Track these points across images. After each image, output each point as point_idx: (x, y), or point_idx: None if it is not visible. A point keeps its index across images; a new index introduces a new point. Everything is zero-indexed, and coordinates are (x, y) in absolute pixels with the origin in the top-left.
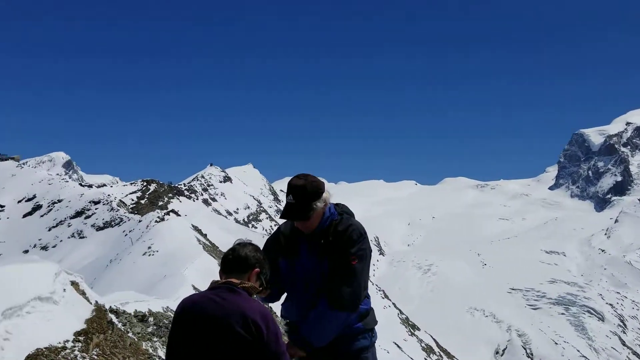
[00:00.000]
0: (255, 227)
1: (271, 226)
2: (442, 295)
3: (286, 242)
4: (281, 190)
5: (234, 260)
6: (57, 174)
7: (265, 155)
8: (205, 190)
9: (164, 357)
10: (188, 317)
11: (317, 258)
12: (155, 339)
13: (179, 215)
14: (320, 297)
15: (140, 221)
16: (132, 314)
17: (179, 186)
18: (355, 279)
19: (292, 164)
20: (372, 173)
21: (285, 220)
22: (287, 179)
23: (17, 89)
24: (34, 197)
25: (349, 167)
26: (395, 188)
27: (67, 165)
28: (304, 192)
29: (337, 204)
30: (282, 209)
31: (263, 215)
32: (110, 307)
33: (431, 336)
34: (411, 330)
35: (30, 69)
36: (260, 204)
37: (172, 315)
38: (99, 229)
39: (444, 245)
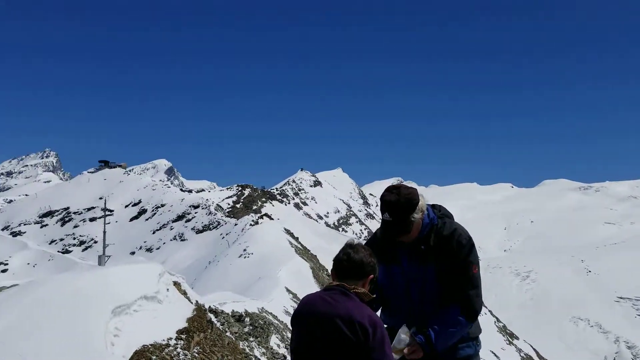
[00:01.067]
0: (346, 231)
1: (361, 230)
2: (543, 304)
3: (384, 248)
4: (370, 194)
5: (350, 267)
6: (160, 180)
7: (355, 159)
8: (296, 194)
9: (259, 357)
10: (302, 314)
11: (419, 264)
12: (251, 339)
13: (272, 218)
14: (449, 305)
15: (236, 224)
16: (230, 314)
17: (272, 191)
18: (479, 288)
19: (382, 167)
20: (463, 176)
21: (380, 226)
22: (377, 183)
23: (124, 99)
24: (140, 202)
25: (440, 170)
26: (490, 191)
27: (169, 172)
28: (399, 207)
29: (433, 206)
30: (377, 218)
31: (353, 219)
32: (210, 306)
33: (531, 346)
34: (509, 339)
35: (138, 80)
36: (350, 207)
37: (267, 317)
38: (199, 232)
39: (544, 250)
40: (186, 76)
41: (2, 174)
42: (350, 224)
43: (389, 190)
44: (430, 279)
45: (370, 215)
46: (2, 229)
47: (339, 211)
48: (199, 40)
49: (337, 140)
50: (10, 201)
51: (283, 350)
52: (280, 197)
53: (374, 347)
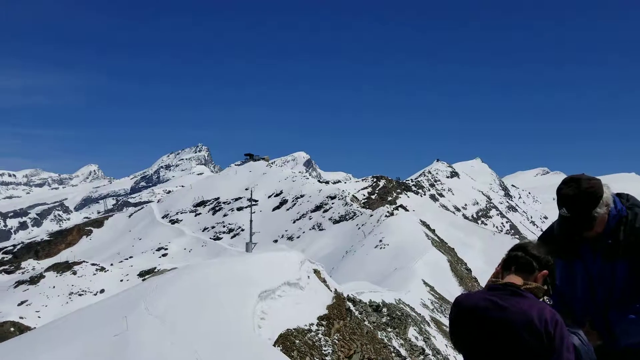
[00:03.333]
0: (485, 224)
1: (502, 223)
2: None
3: (563, 241)
4: (512, 186)
5: (525, 260)
6: (299, 172)
7: (495, 148)
8: (432, 185)
9: (397, 348)
10: (468, 319)
11: (606, 261)
12: (389, 329)
13: (407, 210)
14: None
15: (371, 215)
16: (367, 303)
17: (407, 182)
18: None
19: (524, 156)
20: (619, 166)
21: (559, 219)
22: (520, 174)
23: (268, 95)
24: (281, 192)
25: (590, 158)
26: None
27: (308, 164)
28: (578, 202)
29: (619, 195)
30: (520, 211)
31: (493, 212)
32: (348, 295)
33: None
34: None
35: (280, 76)
36: (490, 199)
37: (404, 308)
38: (336, 222)
39: None
40: (326, 72)
41: (161, 167)
42: (490, 217)
43: (567, 182)
44: (621, 276)
45: (512, 208)
46: (162, 217)
47: (477, 203)
48: (341, 37)
49: (475, 129)
50: (169, 192)
51: (421, 343)
52: (415, 189)
53: (560, 349)
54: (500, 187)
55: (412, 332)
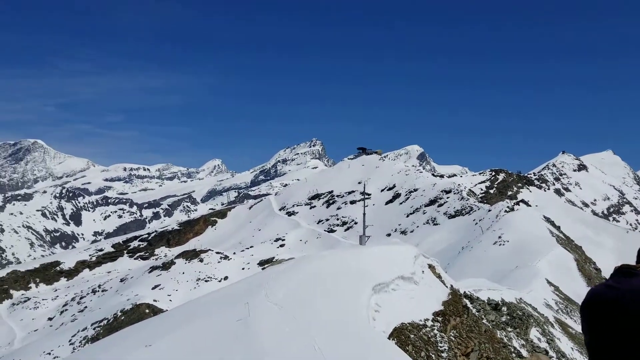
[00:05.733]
0: (617, 221)
1: (637, 220)
2: None
3: None
4: None
5: None
6: (413, 165)
7: (628, 140)
8: (557, 179)
9: (518, 348)
10: (593, 311)
11: None
12: (509, 329)
13: (529, 205)
14: None
15: (489, 210)
16: (486, 301)
17: (529, 175)
18: None
19: None
20: None
21: None
22: None
23: (379, 90)
24: (394, 186)
25: None
26: None
27: (421, 157)
28: None
29: None
30: None
31: (627, 208)
32: (465, 292)
33: None
34: None
35: (386, 72)
36: (623, 194)
37: (525, 308)
38: (451, 216)
39: None
40: (442, 70)
41: (278, 161)
42: (622, 213)
43: None
44: None
45: None
46: (280, 209)
47: (608, 198)
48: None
49: (607, 118)
50: (285, 185)
51: (544, 345)
52: (538, 183)
53: None
54: (635, 181)
55: (534, 333)
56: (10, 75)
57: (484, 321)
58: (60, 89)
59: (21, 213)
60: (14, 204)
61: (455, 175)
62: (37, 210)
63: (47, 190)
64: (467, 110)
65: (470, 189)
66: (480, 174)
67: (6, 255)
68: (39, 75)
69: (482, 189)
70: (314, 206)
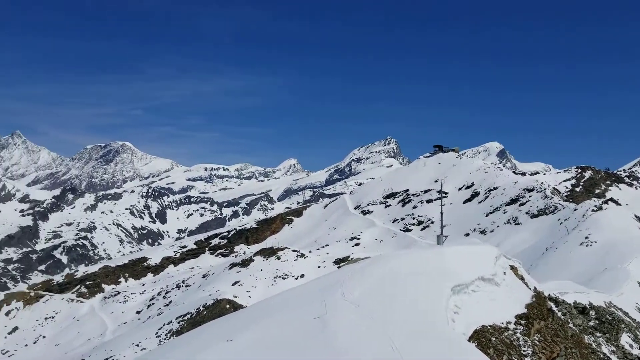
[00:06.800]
0: None
1: None
2: None
3: None
4: None
5: None
6: (492, 163)
7: None
8: None
9: (608, 355)
10: None
11: None
12: (598, 334)
13: (619, 204)
14: None
15: (575, 210)
16: (572, 304)
17: (618, 173)
18: None
19: None
20: None
21: None
22: None
23: (455, 87)
24: (472, 184)
25: None
26: None
27: (501, 154)
28: None
29: None
30: None
31: None
32: (549, 294)
33: None
34: None
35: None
36: None
37: (616, 312)
38: (533, 216)
39: None
40: (528, 69)
41: (353, 160)
42: None
43: None
44: None
45: None
46: (354, 208)
47: None
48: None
49: None
50: (360, 184)
51: (637, 352)
52: (629, 180)
53: None
54: None
55: (625, 339)
56: (102, 81)
57: (571, 325)
58: (147, 93)
59: (111, 211)
60: (104, 203)
61: (537, 172)
62: (126, 209)
63: (134, 190)
64: (553, 109)
65: (554, 187)
66: (565, 171)
67: (98, 252)
68: (128, 81)
69: (567, 187)
70: (389, 205)
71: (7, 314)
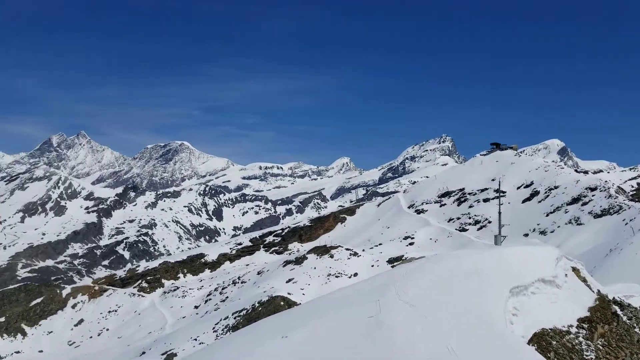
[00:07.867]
0: None
1: None
2: None
3: None
4: None
5: None
6: (553, 161)
7: None
8: None
9: None
10: None
11: None
12: None
13: None
14: None
15: None
16: (638, 308)
17: None
18: None
19: None
20: None
21: None
22: None
23: (506, 87)
24: (532, 183)
25: None
26: None
27: (562, 152)
28: None
29: None
30: None
31: None
32: (614, 298)
33: None
34: None
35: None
36: None
37: None
38: (597, 216)
39: None
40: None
41: (406, 158)
42: None
43: None
44: None
45: None
46: (408, 207)
47: None
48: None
49: None
50: (414, 182)
51: None
52: None
53: None
54: None
55: None
56: (162, 82)
57: (637, 330)
58: (205, 93)
59: (170, 209)
60: (164, 201)
61: (601, 171)
62: (184, 207)
63: (192, 188)
64: (617, 106)
65: (619, 186)
66: (630, 169)
67: (158, 248)
68: (188, 82)
69: (632, 186)
70: (444, 204)
71: (73, 306)
